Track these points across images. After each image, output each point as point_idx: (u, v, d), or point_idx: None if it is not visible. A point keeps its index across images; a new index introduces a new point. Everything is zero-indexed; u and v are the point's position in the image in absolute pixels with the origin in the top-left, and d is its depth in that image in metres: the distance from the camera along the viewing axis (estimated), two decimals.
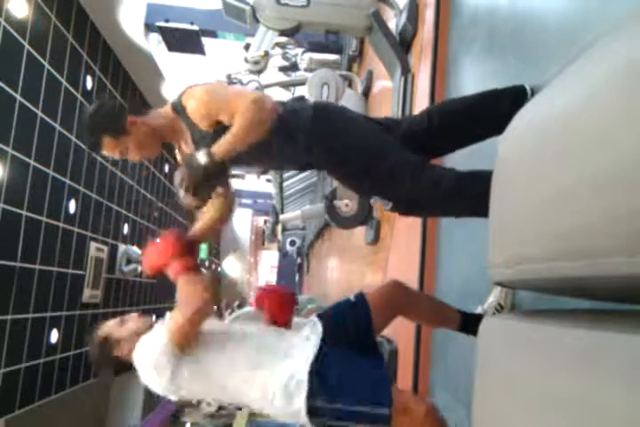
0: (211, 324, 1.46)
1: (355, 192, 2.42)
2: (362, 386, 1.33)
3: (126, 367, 1.51)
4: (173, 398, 1.45)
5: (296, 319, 1.62)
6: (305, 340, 1.43)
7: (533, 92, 1.51)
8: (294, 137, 1.52)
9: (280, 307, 1.60)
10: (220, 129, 1.48)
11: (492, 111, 1.51)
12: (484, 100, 1.56)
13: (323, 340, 1.41)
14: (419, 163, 1.46)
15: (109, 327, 1.54)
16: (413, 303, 1.60)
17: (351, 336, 1.45)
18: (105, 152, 1.57)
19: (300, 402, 1.29)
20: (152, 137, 1.59)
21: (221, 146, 1.42)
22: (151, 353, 1.38)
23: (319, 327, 1.46)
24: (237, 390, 1.37)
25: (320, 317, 1.52)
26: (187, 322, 1.36)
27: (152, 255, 1.53)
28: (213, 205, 1.66)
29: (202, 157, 1.40)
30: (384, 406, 1.26)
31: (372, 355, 1.47)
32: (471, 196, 1.29)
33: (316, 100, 1.56)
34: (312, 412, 1.29)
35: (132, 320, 1.54)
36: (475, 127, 1.57)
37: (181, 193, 1.41)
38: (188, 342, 1.37)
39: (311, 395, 1.29)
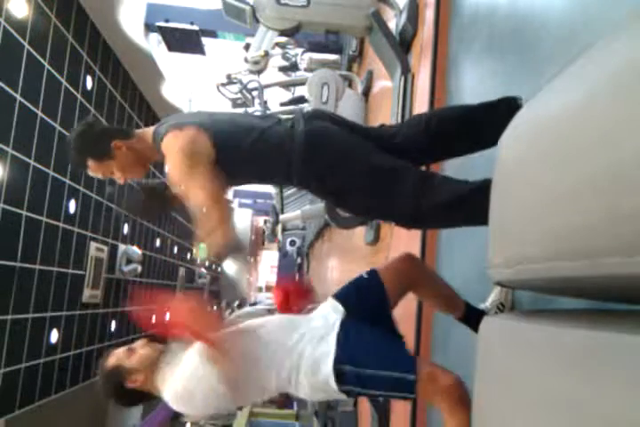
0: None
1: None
2: (385, 353, 1.34)
3: (145, 398, 1.46)
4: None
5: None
6: (327, 320, 1.44)
7: None
8: (288, 172, 1.49)
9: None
10: None
11: (490, 120, 1.49)
12: (482, 109, 1.55)
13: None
14: (417, 181, 1.43)
15: (118, 357, 1.44)
16: (425, 278, 1.60)
17: (367, 315, 1.45)
18: (89, 173, 1.58)
19: (327, 369, 1.29)
20: (136, 161, 1.59)
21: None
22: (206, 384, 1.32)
23: (340, 307, 1.47)
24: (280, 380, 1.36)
25: (336, 297, 1.52)
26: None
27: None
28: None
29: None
30: (409, 373, 1.26)
31: (390, 333, 1.48)
32: (471, 207, 1.27)
33: (306, 128, 1.47)
34: (339, 379, 1.29)
35: (141, 348, 1.46)
36: (471, 135, 1.57)
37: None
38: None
39: (337, 361, 1.29)
